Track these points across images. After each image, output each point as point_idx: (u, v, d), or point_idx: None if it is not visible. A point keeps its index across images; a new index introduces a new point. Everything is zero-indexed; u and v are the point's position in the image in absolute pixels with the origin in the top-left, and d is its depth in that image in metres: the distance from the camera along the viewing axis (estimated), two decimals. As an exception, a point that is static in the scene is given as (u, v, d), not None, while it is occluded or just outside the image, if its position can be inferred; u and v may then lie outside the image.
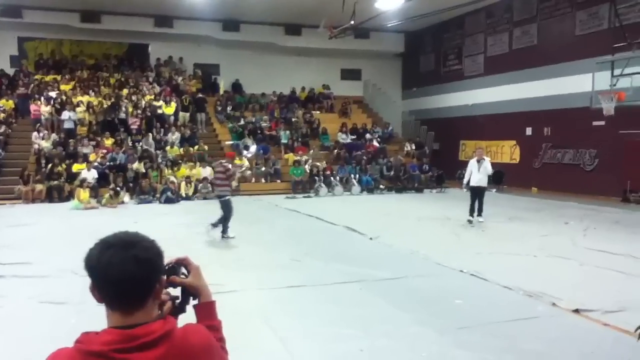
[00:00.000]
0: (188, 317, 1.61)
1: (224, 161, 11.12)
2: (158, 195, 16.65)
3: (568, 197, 16.37)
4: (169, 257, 1.67)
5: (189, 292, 1.62)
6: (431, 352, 4.74)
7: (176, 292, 1.64)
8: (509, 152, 20.61)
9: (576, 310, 5.82)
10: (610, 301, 6.08)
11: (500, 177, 19.49)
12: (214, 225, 10.16)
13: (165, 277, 1.55)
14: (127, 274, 1.36)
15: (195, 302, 1.64)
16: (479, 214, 12.00)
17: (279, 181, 19.58)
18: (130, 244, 1.40)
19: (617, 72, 12.73)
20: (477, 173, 11.87)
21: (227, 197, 10.10)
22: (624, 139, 15.66)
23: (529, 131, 19.67)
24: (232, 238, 9.99)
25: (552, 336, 5.15)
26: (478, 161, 11.90)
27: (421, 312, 5.82)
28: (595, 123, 15.95)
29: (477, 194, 11.95)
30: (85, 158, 17.78)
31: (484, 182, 11.96)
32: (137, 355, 1.32)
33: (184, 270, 1.65)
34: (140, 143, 19.42)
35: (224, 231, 10.09)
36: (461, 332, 5.21)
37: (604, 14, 16.51)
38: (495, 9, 20.98)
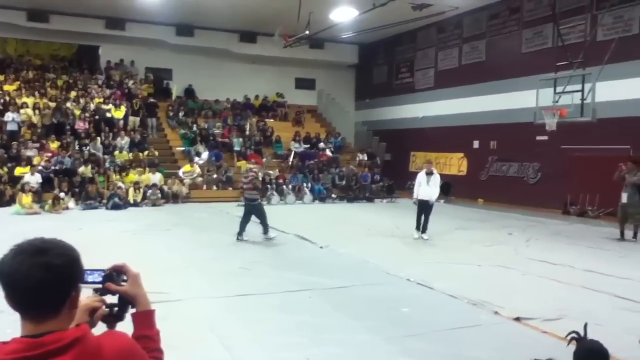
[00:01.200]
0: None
1: (253, 167, 11.99)
2: (105, 201, 16.21)
3: (512, 208, 16.90)
4: (110, 264, 1.65)
5: (126, 300, 1.60)
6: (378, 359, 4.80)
7: (115, 299, 1.62)
8: (457, 164, 21.14)
9: (517, 318, 6.01)
10: (550, 309, 6.32)
11: (448, 189, 19.99)
12: (266, 232, 10.90)
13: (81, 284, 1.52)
14: (33, 281, 1.31)
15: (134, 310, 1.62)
16: (424, 231, 11.41)
17: (230, 188, 19.42)
18: (42, 250, 1.35)
19: (559, 89, 13.24)
20: (427, 187, 11.30)
21: (258, 201, 11.11)
22: (565, 153, 16.31)
23: (476, 144, 20.25)
24: (274, 238, 10.84)
25: (494, 343, 5.30)
26: (427, 174, 11.35)
27: (369, 320, 5.88)
28: (538, 138, 16.55)
29: (424, 208, 11.38)
30: (28, 161, 17.11)
31: (433, 197, 11.37)
32: None
33: (125, 277, 1.63)
34: (88, 147, 18.89)
35: (265, 232, 10.90)
36: (408, 339, 5.30)
37: (549, 33, 17.22)
38: (446, 24, 21.55)
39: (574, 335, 2.84)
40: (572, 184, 16.12)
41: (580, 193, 15.89)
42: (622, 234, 11.65)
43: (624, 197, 11.57)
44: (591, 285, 7.48)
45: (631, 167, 11.59)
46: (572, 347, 2.78)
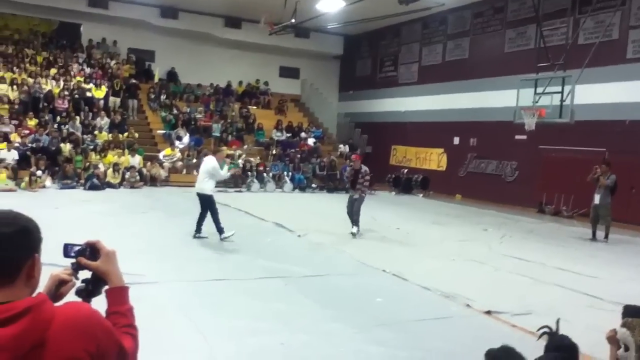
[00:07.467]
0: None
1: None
2: (82, 181, 16.02)
3: (488, 205, 17.10)
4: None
5: (99, 276, 1.62)
6: (346, 347, 4.87)
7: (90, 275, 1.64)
8: (436, 159, 21.29)
9: (488, 312, 6.14)
10: (519, 304, 6.46)
11: (427, 183, 20.23)
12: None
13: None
14: None
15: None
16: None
17: (209, 174, 19.28)
18: None
19: (539, 90, 13.39)
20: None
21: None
22: (542, 153, 16.56)
23: (456, 140, 20.40)
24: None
25: (462, 335, 5.41)
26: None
27: (341, 309, 5.96)
28: (517, 137, 16.74)
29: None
30: (5, 137, 16.80)
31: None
32: None
33: (99, 254, 1.65)
34: (67, 126, 18.61)
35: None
36: (377, 329, 5.38)
37: (531, 34, 17.39)
38: (431, 20, 21.61)
39: (545, 330, 2.93)
40: (547, 183, 16.38)
41: (556, 193, 16.15)
42: (593, 234, 11.91)
43: (596, 199, 11.81)
44: (560, 283, 7.66)
45: (605, 169, 11.82)
46: (542, 341, 2.87)
